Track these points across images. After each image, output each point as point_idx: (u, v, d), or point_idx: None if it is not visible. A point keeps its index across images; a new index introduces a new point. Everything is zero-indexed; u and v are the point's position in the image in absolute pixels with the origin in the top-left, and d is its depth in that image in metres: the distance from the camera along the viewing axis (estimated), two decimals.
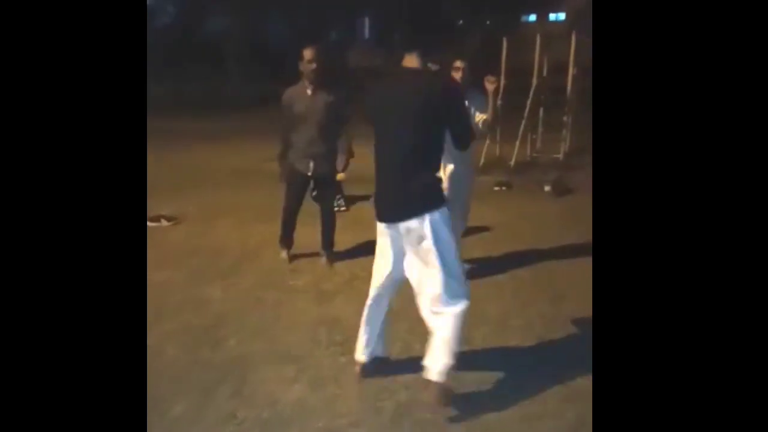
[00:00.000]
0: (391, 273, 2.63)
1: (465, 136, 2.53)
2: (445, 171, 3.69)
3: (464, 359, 2.95)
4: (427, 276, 2.46)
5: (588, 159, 7.92)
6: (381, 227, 2.59)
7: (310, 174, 4.11)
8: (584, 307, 3.56)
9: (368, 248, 4.74)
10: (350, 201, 5.95)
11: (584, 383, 2.72)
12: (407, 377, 2.83)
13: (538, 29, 9.93)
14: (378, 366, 2.85)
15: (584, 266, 4.29)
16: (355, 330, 3.33)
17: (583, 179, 6.89)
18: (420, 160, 2.42)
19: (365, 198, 6.21)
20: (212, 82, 15.68)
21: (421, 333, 3.13)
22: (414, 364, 2.92)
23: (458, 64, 3.74)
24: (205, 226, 5.23)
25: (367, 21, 24.04)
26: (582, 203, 6.06)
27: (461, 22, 21.43)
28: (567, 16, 20.02)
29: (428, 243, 2.40)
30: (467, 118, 2.76)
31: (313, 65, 3.91)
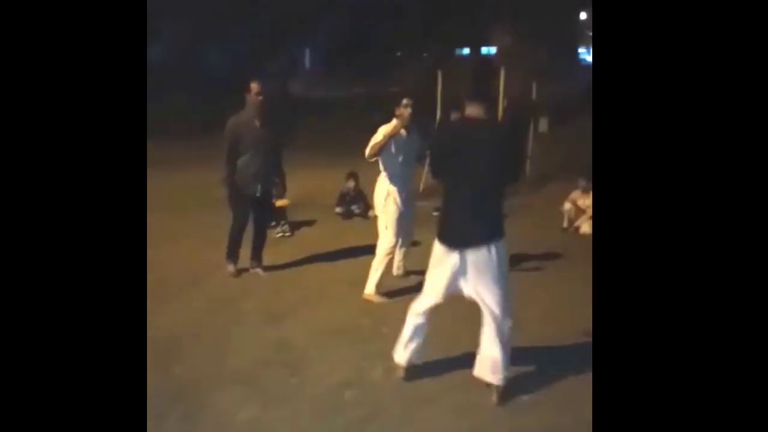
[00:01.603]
0: (441, 292, 2.93)
1: (520, 172, 2.99)
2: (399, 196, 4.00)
3: (423, 371, 3.08)
4: (485, 294, 2.81)
5: (518, 186, 8.34)
6: (442, 252, 2.89)
7: (258, 195, 4.47)
8: (528, 317, 3.77)
9: (314, 271, 4.86)
10: (294, 227, 6.03)
11: (541, 387, 2.94)
12: (356, 393, 2.94)
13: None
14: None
15: (517, 280, 4.52)
16: (305, 351, 3.41)
17: (516, 204, 7.26)
18: (488, 197, 2.84)
19: (308, 223, 6.31)
20: (152, 109, 15.33)
21: (376, 353, 3.26)
22: (357, 384, 3.05)
23: (405, 102, 3.91)
24: (152, 252, 5.13)
25: (308, 51, 24.30)
26: (516, 228, 6.36)
27: (399, 54, 22.07)
28: (497, 50, 20.97)
29: (491, 268, 2.77)
30: (524, 154, 3.18)
31: (261, 98, 4.28)
